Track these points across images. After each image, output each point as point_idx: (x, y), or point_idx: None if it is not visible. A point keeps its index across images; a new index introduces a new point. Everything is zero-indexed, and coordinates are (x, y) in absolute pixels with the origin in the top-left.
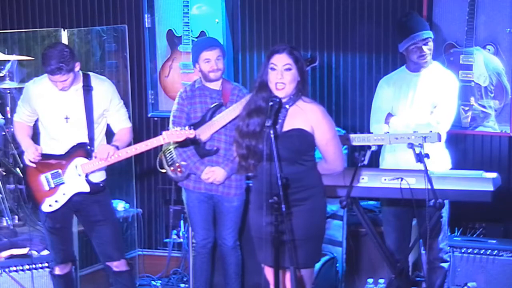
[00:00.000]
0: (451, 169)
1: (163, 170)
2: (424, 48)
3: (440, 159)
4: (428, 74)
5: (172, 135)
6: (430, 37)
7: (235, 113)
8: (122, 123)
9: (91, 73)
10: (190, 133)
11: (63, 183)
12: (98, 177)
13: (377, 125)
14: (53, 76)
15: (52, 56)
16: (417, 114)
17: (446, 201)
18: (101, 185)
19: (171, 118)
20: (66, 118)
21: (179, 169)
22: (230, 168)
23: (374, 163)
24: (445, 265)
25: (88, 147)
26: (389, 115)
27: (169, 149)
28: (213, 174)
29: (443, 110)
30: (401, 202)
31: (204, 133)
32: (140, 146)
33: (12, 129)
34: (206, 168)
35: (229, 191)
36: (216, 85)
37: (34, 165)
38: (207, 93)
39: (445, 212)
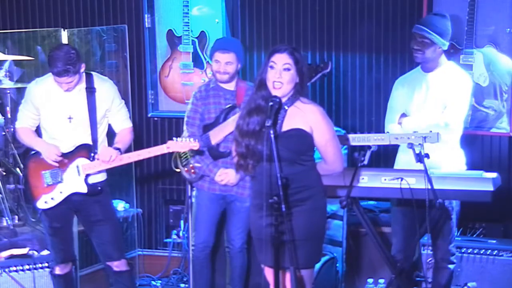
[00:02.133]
0: (467, 169)
1: (178, 170)
2: (420, 44)
3: (454, 159)
4: (441, 74)
5: (176, 145)
6: (432, 40)
7: None
8: (123, 123)
9: (93, 73)
10: (194, 145)
11: (61, 181)
12: (98, 178)
13: (390, 126)
14: (60, 78)
15: (59, 58)
16: (429, 115)
17: (457, 203)
18: (99, 188)
19: (185, 119)
20: (69, 118)
21: (192, 170)
22: None
23: (374, 163)
24: (451, 266)
25: (92, 149)
26: (403, 115)
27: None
28: (227, 176)
29: (453, 111)
30: (411, 202)
31: (217, 135)
32: (143, 153)
33: (12, 129)
34: (220, 170)
35: (243, 192)
36: (230, 86)
37: (56, 164)
38: (221, 93)
39: (454, 214)
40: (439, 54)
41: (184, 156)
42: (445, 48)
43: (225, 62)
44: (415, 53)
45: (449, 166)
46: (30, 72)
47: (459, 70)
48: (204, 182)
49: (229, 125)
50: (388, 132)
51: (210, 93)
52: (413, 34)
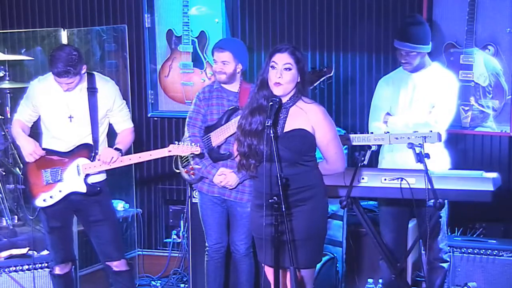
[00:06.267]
0: (450, 169)
1: (178, 171)
2: (407, 57)
3: (439, 159)
4: (427, 74)
5: (178, 149)
6: (418, 52)
7: None
8: (124, 123)
9: (95, 73)
10: (195, 150)
11: (60, 180)
12: (98, 178)
13: (375, 124)
14: (60, 79)
15: (60, 59)
16: (415, 114)
17: (445, 202)
18: (98, 188)
19: (187, 120)
20: (70, 117)
21: (191, 172)
22: (243, 173)
23: (374, 163)
24: (445, 265)
25: (92, 149)
26: (388, 114)
27: None
28: (225, 178)
29: (442, 110)
30: (400, 202)
31: (218, 136)
32: (144, 155)
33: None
34: (219, 170)
35: (242, 197)
36: (234, 87)
37: (33, 162)
38: (224, 95)
39: (444, 213)
40: (424, 55)
41: (185, 157)
42: (429, 50)
43: (221, 61)
44: (404, 66)
45: (434, 166)
46: (30, 72)
47: (444, 71)
48: (203, 184)
49: (230, 127)
50: (372, 132)
51: (213, 94)
52: (400, 50)
